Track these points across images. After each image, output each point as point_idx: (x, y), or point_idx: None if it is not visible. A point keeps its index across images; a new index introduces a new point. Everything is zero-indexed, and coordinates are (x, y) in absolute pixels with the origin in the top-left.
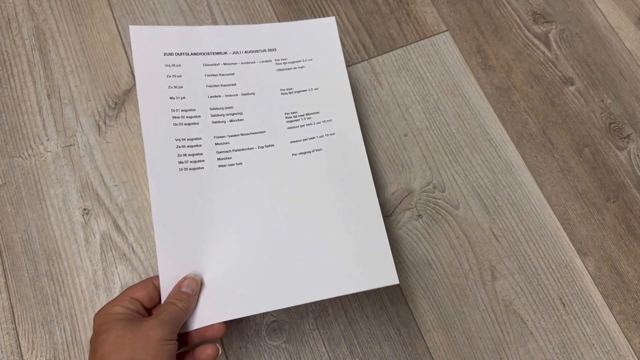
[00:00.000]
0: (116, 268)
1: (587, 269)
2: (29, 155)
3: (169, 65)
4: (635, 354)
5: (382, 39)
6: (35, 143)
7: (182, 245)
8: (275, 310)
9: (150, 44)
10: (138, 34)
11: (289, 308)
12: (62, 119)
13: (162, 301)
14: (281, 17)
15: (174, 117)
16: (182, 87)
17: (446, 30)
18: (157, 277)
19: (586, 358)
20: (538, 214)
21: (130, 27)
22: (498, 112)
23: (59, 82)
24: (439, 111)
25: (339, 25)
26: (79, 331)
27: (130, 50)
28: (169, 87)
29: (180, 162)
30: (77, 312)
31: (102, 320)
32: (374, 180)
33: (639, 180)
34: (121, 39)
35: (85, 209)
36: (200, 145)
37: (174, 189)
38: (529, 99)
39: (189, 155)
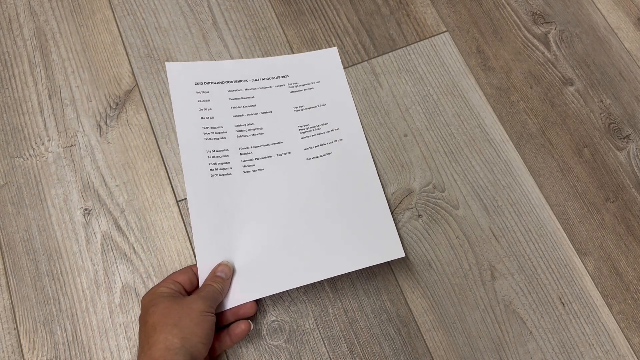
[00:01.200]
0: (117, 268)
1: (586, 268)
2: (30, 155)
3: (199, 92)
4: (635, 353)
5: (382, 39)
6: (36, 143)
7: (216, 237)
8: (275, 310)
9: (183, 76)
10: (173, 68)
11: (289, 307)
12: (63, 120)
13: (200, 285)
14: (281, 18)
15: (204, 133)
16: (210, 109)
17: (446, 31)
18: (195, 266)
19: (585, 357)
20: (537, 214)
21: (167, 63)
22: (498, 113)
23: (60, 83)
24: (438, 111)
25: (339, 26)
26: (80, 331)
27: (131, 51)
28: (200, 109)
29: (211, 170)
30: (78, 312)
31: (150, 298)
32: None
33: (638, 181)
34: (122, 39)
35: (86, 209)
36: (228, 156)
37: (207, 192)
38: (529, 99)
39: (219, 164)
